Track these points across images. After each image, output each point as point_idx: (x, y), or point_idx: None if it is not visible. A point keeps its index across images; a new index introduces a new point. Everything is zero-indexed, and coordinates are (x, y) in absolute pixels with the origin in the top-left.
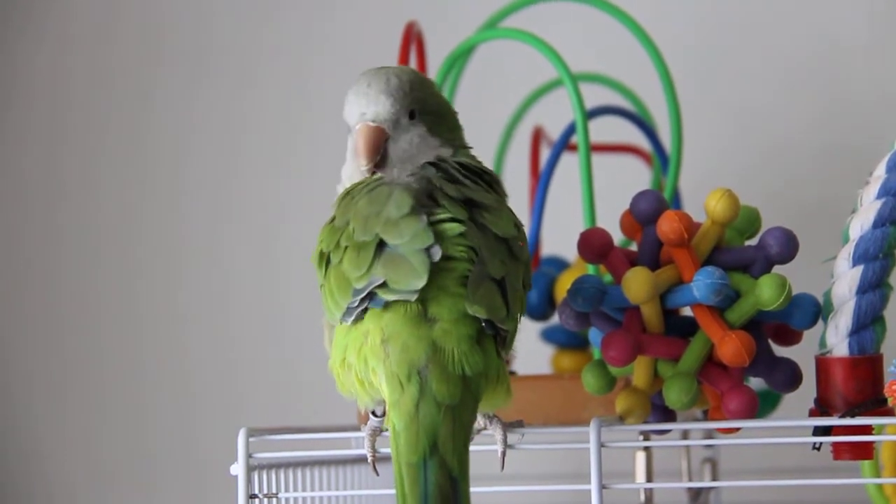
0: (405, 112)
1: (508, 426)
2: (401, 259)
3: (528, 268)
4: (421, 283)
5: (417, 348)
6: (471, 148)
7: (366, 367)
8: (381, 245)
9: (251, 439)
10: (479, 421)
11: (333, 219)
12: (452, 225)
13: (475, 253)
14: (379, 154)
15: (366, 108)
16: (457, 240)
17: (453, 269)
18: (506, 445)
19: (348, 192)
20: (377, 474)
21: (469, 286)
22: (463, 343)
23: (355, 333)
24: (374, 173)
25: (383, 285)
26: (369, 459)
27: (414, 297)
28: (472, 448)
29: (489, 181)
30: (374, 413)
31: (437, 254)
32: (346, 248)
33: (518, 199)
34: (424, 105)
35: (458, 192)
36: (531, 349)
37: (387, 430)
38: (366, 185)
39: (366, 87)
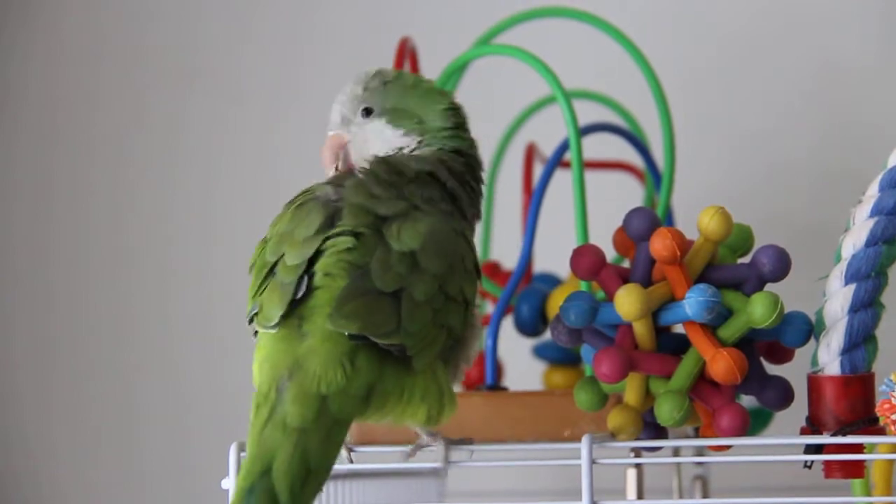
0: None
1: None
2: (275, 289)
3: (450, 278)
4: (274, 320)
5: (281, 366)
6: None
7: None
8: (274, 268)
9: (242, 453)
10: (423, 438)
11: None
12: (342, 239)
13: (360, 269)
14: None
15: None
16: (342, 255)
17: (330, 287)
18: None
19: (290, 202)
20: None
21: (336, 302)
22: (328, 361)
23: (256, 350)
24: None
25: (259, 312)
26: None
27: (274, 330)
28: (461, 464)
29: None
30: None
31: (302, 289)
32: (254, 267)
33: (511, 216)
34: (384, 101)
35: (366, 200)
36: (523, 365)
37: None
38: (301, 195)
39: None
